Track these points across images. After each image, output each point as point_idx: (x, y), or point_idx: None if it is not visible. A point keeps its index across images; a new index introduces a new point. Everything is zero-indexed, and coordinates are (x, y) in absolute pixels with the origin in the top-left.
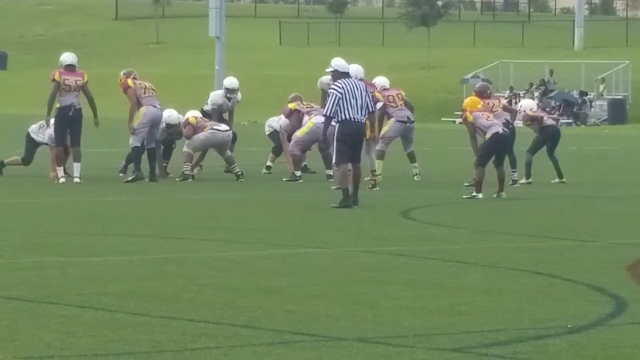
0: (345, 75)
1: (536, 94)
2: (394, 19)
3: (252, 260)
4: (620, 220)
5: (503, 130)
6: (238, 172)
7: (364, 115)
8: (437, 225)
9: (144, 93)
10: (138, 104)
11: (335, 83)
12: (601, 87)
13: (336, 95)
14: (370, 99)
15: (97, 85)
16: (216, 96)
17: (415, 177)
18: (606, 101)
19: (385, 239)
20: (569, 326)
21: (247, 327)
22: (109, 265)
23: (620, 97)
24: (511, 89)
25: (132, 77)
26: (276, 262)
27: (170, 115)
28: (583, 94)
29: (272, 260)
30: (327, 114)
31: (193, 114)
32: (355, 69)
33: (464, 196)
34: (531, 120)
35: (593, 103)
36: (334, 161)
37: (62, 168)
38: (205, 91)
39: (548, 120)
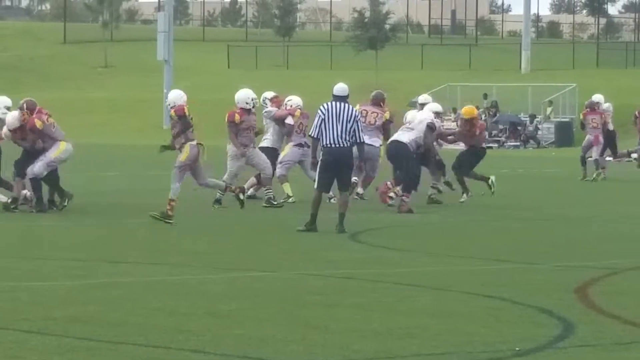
0: (338, 98)
1: (484, 117)
2: (342, 43)
3: (201, 284)
4: (568, 242)
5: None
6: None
7: (348, 141)
8: (387, 248)
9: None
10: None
11: (322, 105)
12: (548, 110)
13: (319, 116)
14: (359, 126)
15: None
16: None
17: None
18: (553, 124)
19: (334, 262)
20: (517, 349)
21: (197, 352)
22: (55, 290)
23: (567, 119)
24: (454, 110)
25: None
26: (225, 285)
27: None
28: (533, 117)
29: (221, 284)
30: (312, 134)
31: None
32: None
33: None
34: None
35: (540, 126)
36: (314, 185)
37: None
38: (153, 114)
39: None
